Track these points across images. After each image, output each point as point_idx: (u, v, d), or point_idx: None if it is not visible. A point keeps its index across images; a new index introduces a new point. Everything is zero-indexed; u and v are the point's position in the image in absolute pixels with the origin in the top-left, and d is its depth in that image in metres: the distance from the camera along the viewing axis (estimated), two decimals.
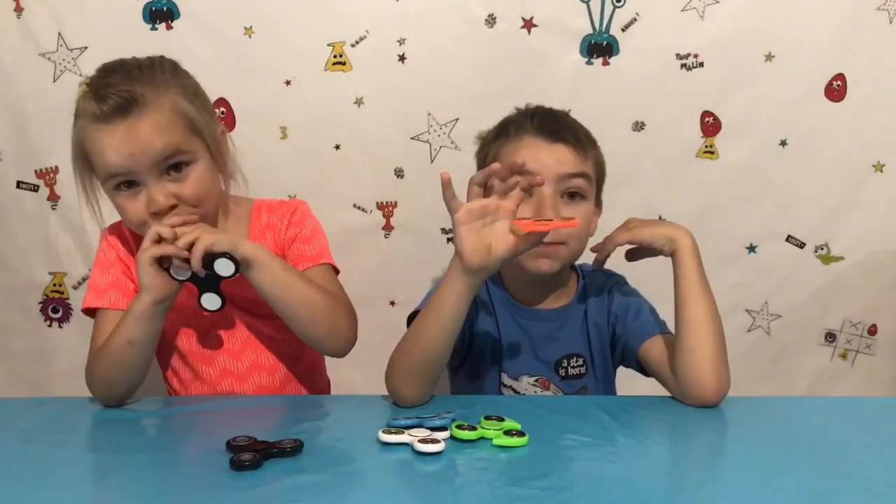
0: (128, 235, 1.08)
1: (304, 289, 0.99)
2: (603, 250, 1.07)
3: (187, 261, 0.91)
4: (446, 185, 0.88)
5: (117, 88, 0.93)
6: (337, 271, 1.11)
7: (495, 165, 0.89)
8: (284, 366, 1.11)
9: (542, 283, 1.11)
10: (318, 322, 1.00)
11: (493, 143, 1.10)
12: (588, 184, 1.06)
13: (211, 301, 0.96)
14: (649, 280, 1.14)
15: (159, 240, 0.92)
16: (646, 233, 1.03)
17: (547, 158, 1.03)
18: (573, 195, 1.05)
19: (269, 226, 1.10)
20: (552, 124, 1.06)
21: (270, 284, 0.96)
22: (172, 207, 0.96)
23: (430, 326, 0.93)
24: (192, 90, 1.01)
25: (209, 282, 0.94)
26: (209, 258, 0.91)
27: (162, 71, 0.99)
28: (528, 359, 1.12)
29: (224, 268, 0.93)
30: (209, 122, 1.02)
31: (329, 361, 1.24)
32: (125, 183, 0.97)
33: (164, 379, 1.15)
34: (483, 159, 1.12)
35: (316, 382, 1.19)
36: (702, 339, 0.97)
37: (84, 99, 0.96)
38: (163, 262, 0.93)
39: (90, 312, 1.06)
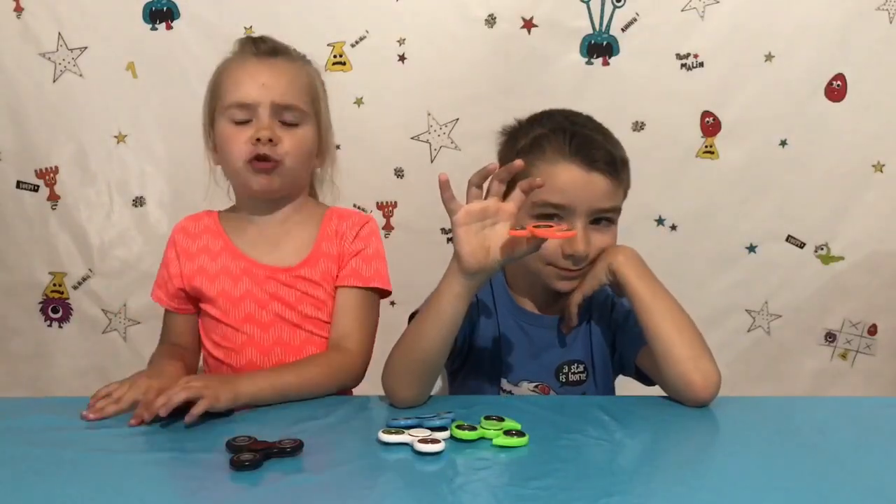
0: (189, 229, 1.13)
1: (299, 385, 0.98)
2: (570, 315, 1.06)
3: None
4: (444, 187, 0.87)
5: (274, 40, 1.11)
6: (389, 292, 1.12)
7: (491, 166, 0.88)
8: None
9: (561, 296, 1.09)
10: (325, 391, 1.00)
11: (526, 157, 0.99)
12: (617, 214, 1.06)
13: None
14: None
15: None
16: (589, 280, 1.04)
17: (582, 190, 1.01)
18: (599, 220, 1.04)
19: (338, 233, 1.12)
20: (591, 151, 1.02)
21: (269, 400, 0.95)
22: (270, 142, 1.04)
23: (428, 327, 0.93)
24: (323, 84, 1.15)
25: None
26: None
27: (308, 57, 1.14)
28: (529, 364, 1.11)
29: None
30: (326, 113, 1.14)
31: None
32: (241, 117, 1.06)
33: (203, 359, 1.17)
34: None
35: None
36: (669, 344, 0.96)
37: (242, 41, 1.10)
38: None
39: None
